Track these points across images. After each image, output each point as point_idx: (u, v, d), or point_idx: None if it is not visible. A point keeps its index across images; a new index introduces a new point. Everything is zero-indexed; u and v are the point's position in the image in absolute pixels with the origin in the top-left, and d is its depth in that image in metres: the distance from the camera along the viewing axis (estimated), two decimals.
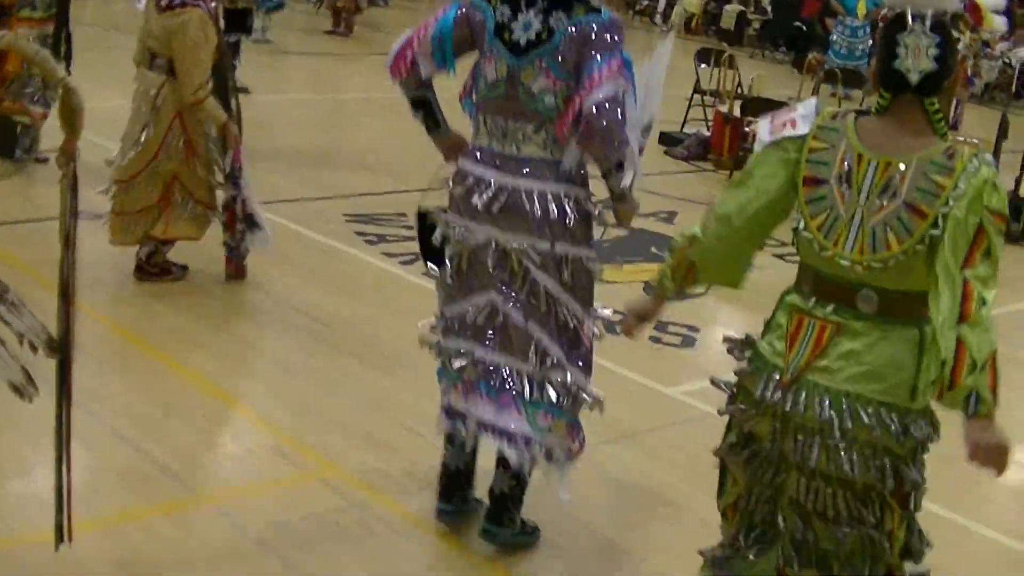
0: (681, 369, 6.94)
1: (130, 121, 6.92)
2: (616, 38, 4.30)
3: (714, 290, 5.75)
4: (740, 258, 3.63)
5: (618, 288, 8.31)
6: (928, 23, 3.26)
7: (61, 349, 3.79)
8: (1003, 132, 12.47)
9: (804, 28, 21.57)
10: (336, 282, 7.68)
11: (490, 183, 4.38)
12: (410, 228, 8.91)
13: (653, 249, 9.05)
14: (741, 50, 21.51)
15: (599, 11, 4.30)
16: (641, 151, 4.47)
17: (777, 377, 3.45)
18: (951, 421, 3.27)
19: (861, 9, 17.24)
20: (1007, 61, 20.60)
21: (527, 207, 4.34)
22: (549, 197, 4.34)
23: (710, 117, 13.48)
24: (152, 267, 7.20)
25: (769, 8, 24.68)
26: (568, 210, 4.37)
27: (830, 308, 3.38)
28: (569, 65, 4.28)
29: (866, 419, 3.32)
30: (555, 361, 4.44)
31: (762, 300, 3.78)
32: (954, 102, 12.22)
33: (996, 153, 12.02)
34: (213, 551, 4.51)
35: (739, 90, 13.44)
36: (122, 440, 5.24)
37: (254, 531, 4.66)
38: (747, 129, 11.82)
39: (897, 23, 3.29)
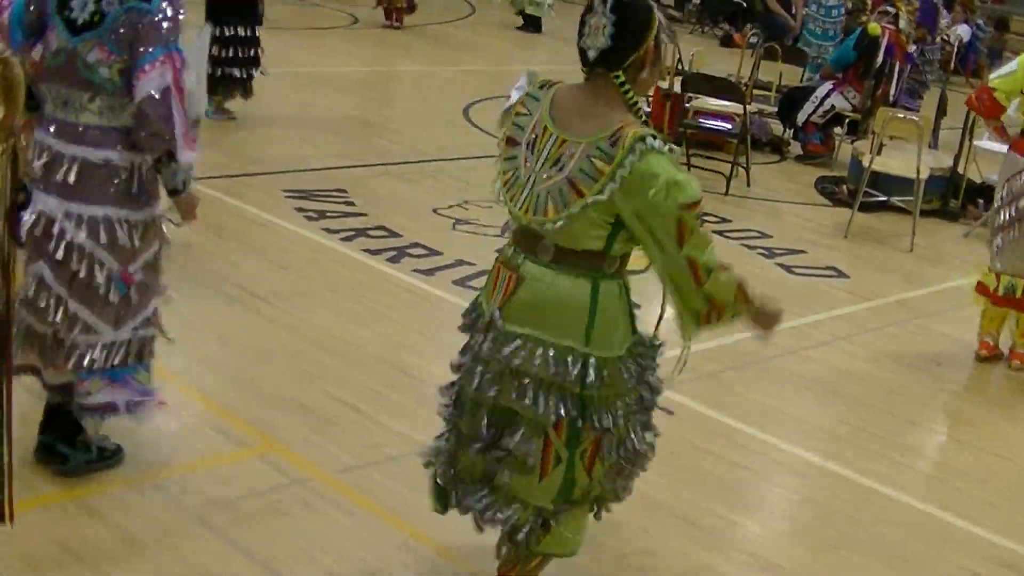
0: None
1: None
2: (168, 26, 4.42)
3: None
4: None
5: None
6: (609, 4, 3.58)
7: (1, 325, 3.75)
8: (942, 109, 12.57)
9: (744, 4, 21.63)
10: (273, 256, 7.64)
11: (51, 149, 4.47)
12: (351, 204, 8.90)
13: None
14: (681, 27, 21.58)
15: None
16: (194, 144, 4.55)
17: (480, 323, 3.89)
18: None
19: None
20: (945, 39, 20.74)
21: (81, 173, 4.45)
22: (103, 163, 4.46)
23: (650, 92, 13.50)
24: None
25: None
26: (120, 175, 4.49)
27: (521, 258, 3.80)
28: (124, 43, 4.40)
29: (542, 360, 3.71)
30: (89, 326, 4.56)
31: None
32: (895, 77, 12.28)
33: (935, 130, 12.12)
34: (154, 530, 4.49)
35: (679, 66, 13.46)
36: None
37: (194, 509, 4.65)
38: (687, 105, 11.87)
39: (588, 6, 3.64)
